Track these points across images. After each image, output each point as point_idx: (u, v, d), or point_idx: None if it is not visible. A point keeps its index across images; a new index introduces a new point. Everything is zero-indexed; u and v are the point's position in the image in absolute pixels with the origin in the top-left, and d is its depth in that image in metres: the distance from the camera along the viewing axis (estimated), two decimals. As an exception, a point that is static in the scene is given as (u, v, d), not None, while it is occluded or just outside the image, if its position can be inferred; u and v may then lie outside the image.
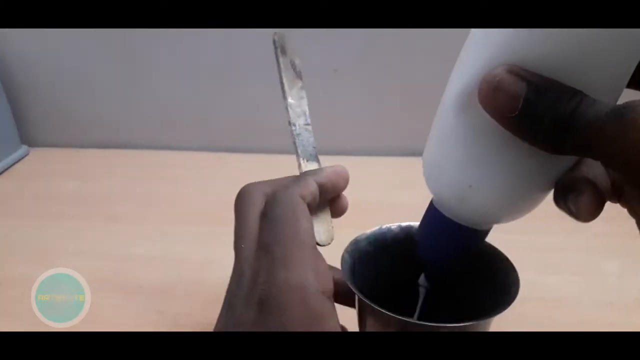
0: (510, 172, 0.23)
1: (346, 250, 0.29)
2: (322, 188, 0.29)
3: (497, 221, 0.26)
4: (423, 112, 0.66)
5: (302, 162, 0.30)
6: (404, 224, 0.32)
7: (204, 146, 0.72)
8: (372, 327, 0.28)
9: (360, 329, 0.30)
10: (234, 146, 0.72)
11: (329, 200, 0.31)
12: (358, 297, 0.27)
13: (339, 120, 0.69)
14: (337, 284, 0.28)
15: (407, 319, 0.25)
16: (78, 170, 0.70)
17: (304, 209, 0.27)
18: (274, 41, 0.31)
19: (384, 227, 0.32)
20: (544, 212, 0.58)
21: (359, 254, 0.30)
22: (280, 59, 0.31)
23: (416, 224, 0.30)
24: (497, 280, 0.28)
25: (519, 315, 0.41)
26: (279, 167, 0.73)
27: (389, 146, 0.69)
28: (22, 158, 0.73)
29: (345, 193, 0.36)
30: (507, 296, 0.27)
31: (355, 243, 0.30)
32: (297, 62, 0.31)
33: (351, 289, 0.27)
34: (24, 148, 0.74)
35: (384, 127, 0.69)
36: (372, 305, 0.26)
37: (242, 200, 0.30)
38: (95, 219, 0.58)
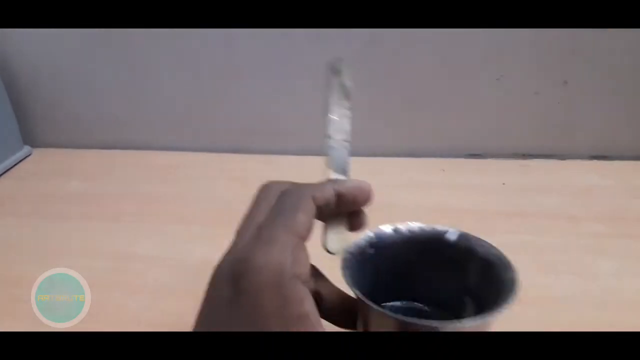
0: None
1: (346, 254, 0.30)
2: (340, 198, 0.30)
3: None
4: (423, 112, 0.66)
5: (331, 173, 0.31)
6: (402, 225, 0.32)
7: (204, 147, 0.72)
8: (365, 321, 0.29)
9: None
10: (235, 147, 0.72)
11: (349, 213, 0.31)
12: (358, 298, 0.27)
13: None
14: (330, 301, 0.29)
15: (406, 319, 0.25)
16: (80, 170, 0.70)
17: (308, 204, 0.28)
18: (330, 63, 0.32)
19: (382, 228, 0.32)
20: (542, 213, 0.58)
21: (359, 257, 0.31)
22: (333, 79, 0.32)
23: (417, 224, 0.32)
24: (500, 286, 0.29)
25: (517, 315, 0.42)
26: (279, 167, 0.74)
27: (389, 146, 0.69)
28: (25, 158, 0.74)
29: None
30: (506, 300, 0.27)
31: (355, 246, 0.31)
32: (348, 84, 0.32)
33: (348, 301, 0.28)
34: (27, 148, 0.74)
35: (384, 128, 0.69)
36: (371, 304, 0.26)
37: (258, 192, 0.30)
38: (97, 218, 0.58)
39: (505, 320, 0.42)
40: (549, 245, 0.50)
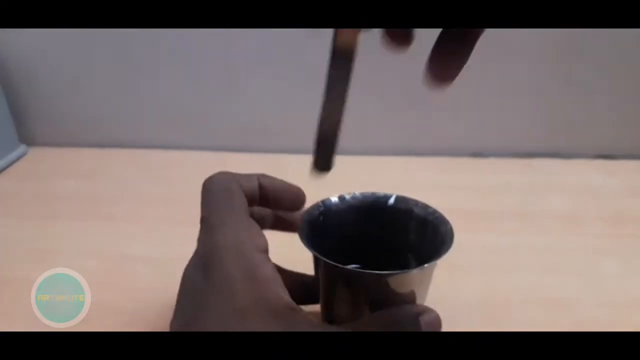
0: None
1: (302, 219, 0.34)
2: (264, 193, 0.32)
3: None
4: (424, 111, 0.66)
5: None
6: (348, 195, 0.36)
7: (204, 146, 0.72)
8: (324, 280, 0.32)
9: (321, 297, 0.34)
10: (234, 146, 0.72)
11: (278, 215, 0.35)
12: (313, 255, 0.31)
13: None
14: (295, 286, 0.31)
15: (356, 270, 0.29)
16: (77, 169, 0.70)
17: (237, 188, 0.31)
18: None
19: (330, 198, 0.36)
20: (546, 212, 0.58)
21: (312, 225, 0.34)
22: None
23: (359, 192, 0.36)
24: (438, 239, 0.32)
25: (519, 315, 0.41)
26: (279, 166, 0.73)
27: (389, 146, 0.69)
28: (21, 157, 0.73)
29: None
30: (443, 250, 0.30)
31: (308, 214, 0.34)
32: None
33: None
34: (23, 147, 0.74)
35: (385, 127, 0.69)
36: (323, 258, 0.29)
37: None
38: (95, 218, 0.58)
39: (507, 320, 0.41)
40: (553, 245, 0.50)
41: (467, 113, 0.66)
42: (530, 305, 0.43)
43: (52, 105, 0.74)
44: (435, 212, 0.34)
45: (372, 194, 0.36)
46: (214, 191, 0.31)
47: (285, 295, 0.27)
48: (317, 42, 0.62)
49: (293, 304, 0.26)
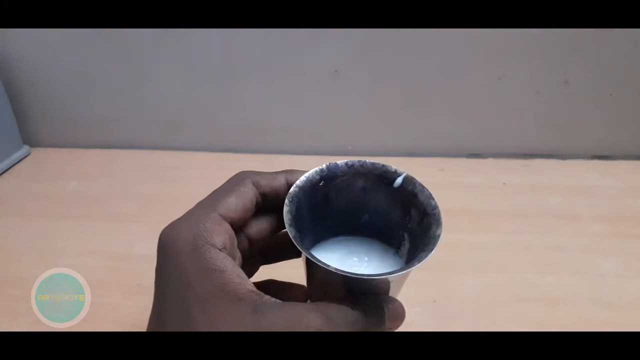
0: None
1: (293, 188, 0.32)
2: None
3: None
4: (423, 112, 0.66)
5: None
6: (355, 159, 0.34)
7: (204, 146, 0.72)
8: (305, 264, 0.32)
9: (307, 280, 0.33)
10: (234, 146, 0.72)
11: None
12: (292, 239, 0.29)
13: (339, 120, 0.69)
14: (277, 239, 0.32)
15: (335, 270, 0.27)
16: (79, 170, 0.70)
17: (245, 188, 0.31)
18: None
19: (308, 173, 0.34)
20: (543, 212, 0.58)
21: (307, 190, 0.33)
22: None
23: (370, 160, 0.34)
24: (430, 237, 0.30)
25: (518, 314, 0.42)
26: (278, 167, 0.73)
27: (389, 146, 0.69)
28: (24, 158, 0.73)
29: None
30: (426, 254, 0.28)
31: (305, 179, 0.33)
32: None
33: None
34: (26, 148, 0.74)
35: (384, 127, 0.69)
36: (300, 247, 0.28)
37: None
38: (96, 218, 0.58)
39: (505, 320, 0.42)
40: (550, 245, 0.50)
41: (465, 114, 0.66)
42: (528, 305, 0.43)
43: (54, 106, 0.75)
44: (435, 208, 0.32)
45: (383, 165, 0.34)
46: (221, 189, 0.31)
47: (246, 283, 0.26)
48: (318, 42, 0.63)
49: (256, 289, 0.26)
